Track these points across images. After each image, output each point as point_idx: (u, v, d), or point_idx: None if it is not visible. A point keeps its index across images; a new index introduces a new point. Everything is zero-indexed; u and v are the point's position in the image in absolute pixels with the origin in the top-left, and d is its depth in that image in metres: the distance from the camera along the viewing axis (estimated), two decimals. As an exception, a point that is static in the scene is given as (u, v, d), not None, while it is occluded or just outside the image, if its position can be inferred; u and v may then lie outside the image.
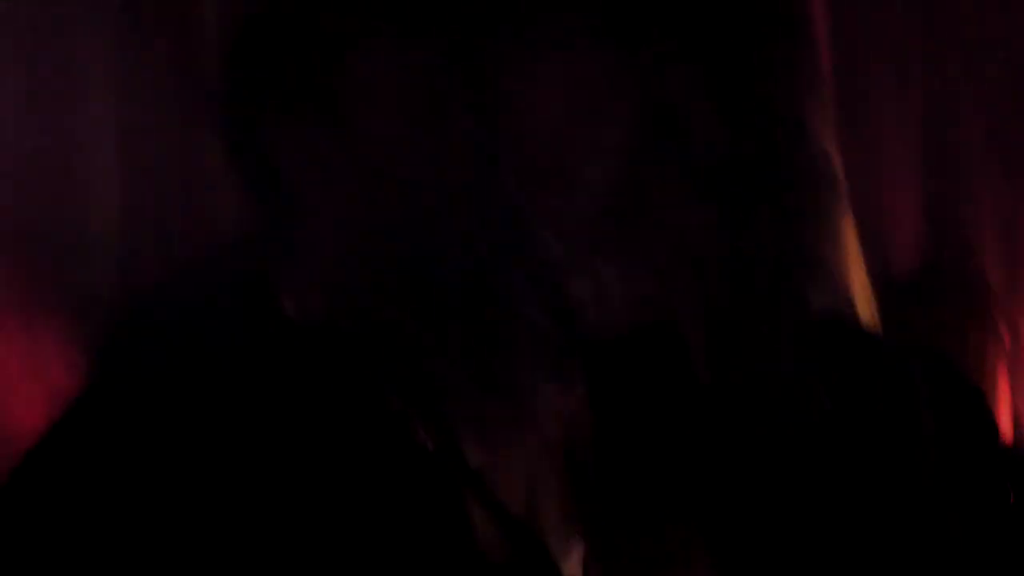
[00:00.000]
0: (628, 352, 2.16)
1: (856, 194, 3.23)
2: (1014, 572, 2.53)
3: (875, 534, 2.05)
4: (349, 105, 1.44)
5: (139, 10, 2.58)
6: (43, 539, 1.42)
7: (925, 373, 2.30)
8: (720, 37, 3.23)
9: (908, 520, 2.09)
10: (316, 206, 1.47)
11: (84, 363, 1.50)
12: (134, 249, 2.53)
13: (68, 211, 2.57)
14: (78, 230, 2.57)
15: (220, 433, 1.42)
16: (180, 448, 1.42)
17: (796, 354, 2.11)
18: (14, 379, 2.44)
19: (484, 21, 1.51)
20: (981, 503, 2.59)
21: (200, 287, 1.50)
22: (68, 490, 1.44)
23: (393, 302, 1.48)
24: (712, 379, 2.06)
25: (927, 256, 3.20)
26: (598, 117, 1.70)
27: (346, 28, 1.44)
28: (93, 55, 2.58)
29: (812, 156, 2.18)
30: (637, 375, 2.14)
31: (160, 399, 1.42)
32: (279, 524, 1.42)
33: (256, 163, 1.49)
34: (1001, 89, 3.28)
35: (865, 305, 3.14)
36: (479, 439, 1.59)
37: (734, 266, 2.05)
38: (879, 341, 2.35)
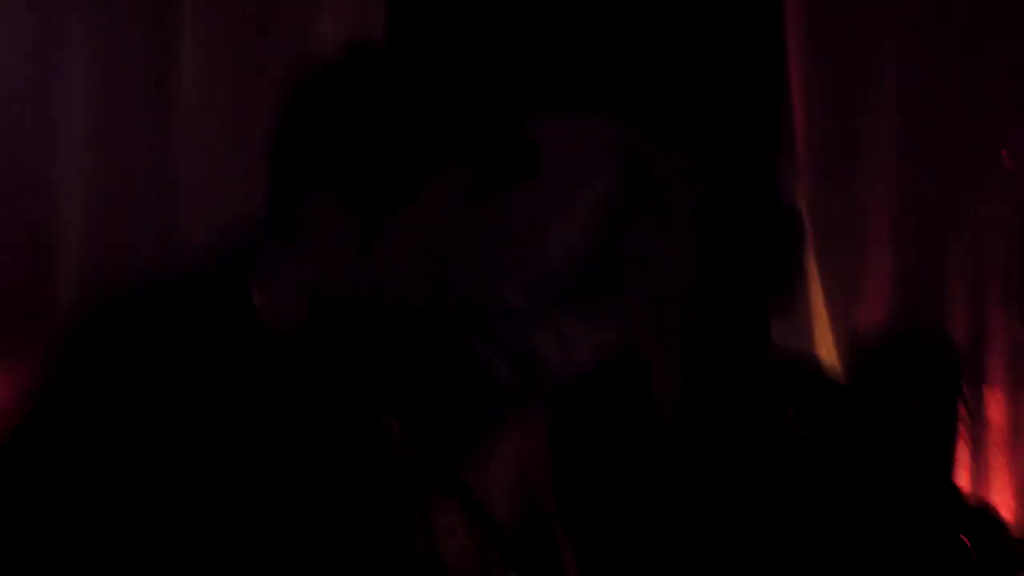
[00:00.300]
0: (590, 392, 2.17)
1: (826, 249, 3.25)
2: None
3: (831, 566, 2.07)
4: (397, 210, 1.49)
5: (114, 12, 2.56)
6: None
7: (881, 425, 2.32)
8: (695, 96, 3.26)
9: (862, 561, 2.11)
10: (318, 245, 1.50)
11: (47, 362, 1.50)
12: (97, 253, 2.52)
13: (32, 214, 2.56)
14: (42, 233, 2.56)
15: (179, 432, 1.43)
16: (139, 444, 1.42)
17: (758, 392, 2.13)
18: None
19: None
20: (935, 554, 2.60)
21: (175, 290, 1.52)
22: (24, 487, 1.45)
23: (367, 327, 1.50)
24: (676, 415, 2.08)
25: (894, 314, 3.21)
26: (577, 179, 1.73)
27: (426, 156, 1.49)
28: (63, 57, 2.57)
29: (779, 209, 2.20)
30: (599, 414, 2.15)
31: (124, 392, 1.43)
32: (242, 517, 1.43)
33: (280, 199, 1.52)
34: (974, 152, 3.30)
35: (828, 352, 3.16)
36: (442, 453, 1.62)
37: (702, 308, 2.06)
38: (838, 387, 2.37)
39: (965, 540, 2.63)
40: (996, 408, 3.26)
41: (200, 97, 2.61)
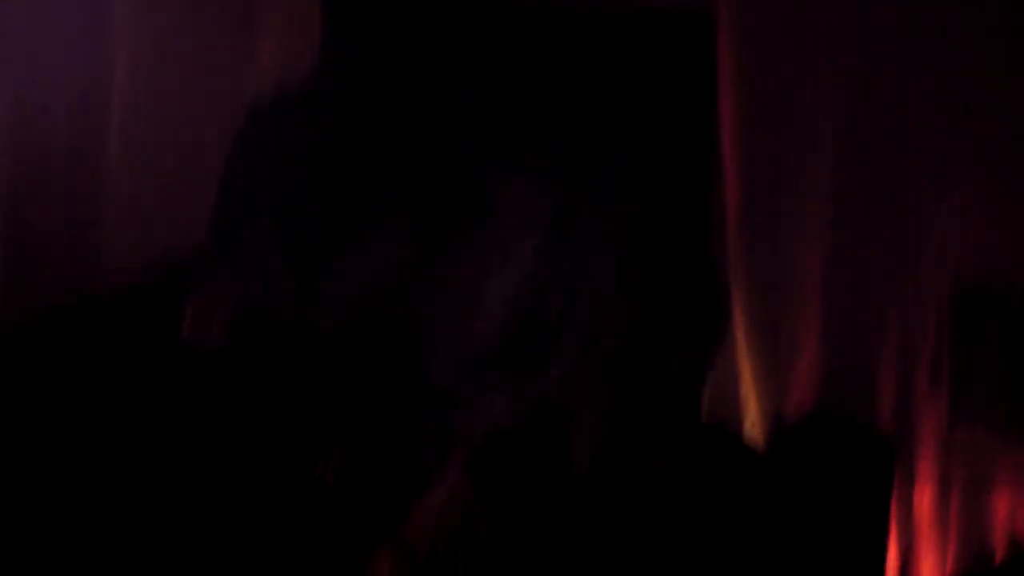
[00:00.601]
0: (512, 448, 2.16)
1: (753, 328, 3.21)
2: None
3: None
4: (335, 254, 1.51)
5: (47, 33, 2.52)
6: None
7: (808, 499, 2.33)
8: (627, 160, 3.23)
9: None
10: (256, 276, 1.50)
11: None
12: (24, 277, 2.45)
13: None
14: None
15: (95, 452, 1.39)
16: (55, 466, 1.39)
17: (676, 452, 2.13)
18: None
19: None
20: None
21: (104, 308, 1.51)
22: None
23: (297, 359, 1.50)
24: (592, 467, 2.09)
25: (821, 398, 3.19)
26: (508, 239, 1.74)
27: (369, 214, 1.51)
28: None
29: (706, 278, 2.20)
30: (520, 467, 2.14)
31: (44, 411, 1.40)
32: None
33: (223, 228, 1.52)
34: (903, 243, 3.30)
35: (754, 432, 3.13)
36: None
37: (625, 367, 2.07)
38: (758, 455, 2.38)
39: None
40: (924, 501, 3.24)
41: (132, 120, 2.56)
